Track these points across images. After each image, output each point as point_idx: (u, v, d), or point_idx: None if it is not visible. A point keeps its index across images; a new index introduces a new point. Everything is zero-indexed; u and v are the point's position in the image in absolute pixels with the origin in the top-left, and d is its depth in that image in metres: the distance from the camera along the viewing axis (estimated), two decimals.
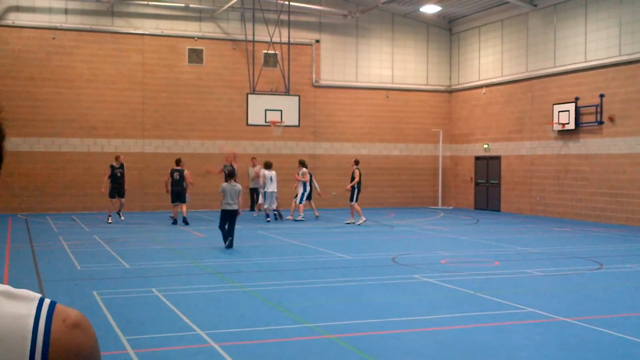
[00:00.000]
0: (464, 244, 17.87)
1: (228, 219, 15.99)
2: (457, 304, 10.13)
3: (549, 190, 26.60)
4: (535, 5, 27.04)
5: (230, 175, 16.72)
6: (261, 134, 28.52)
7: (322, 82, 30.12)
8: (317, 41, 30.00)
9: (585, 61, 24.87)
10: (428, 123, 31.80)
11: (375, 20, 30.88)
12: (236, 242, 16.72)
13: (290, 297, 10.50)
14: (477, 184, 30.81)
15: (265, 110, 25.75)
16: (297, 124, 26.39)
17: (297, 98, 26.29)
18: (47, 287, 11.04)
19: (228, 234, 15.92)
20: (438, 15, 30.83)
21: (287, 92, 26.69)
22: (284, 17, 26.46)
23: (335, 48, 30.39)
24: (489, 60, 29.99)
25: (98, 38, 27.15)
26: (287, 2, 26.24)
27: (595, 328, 8.57)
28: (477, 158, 30.80)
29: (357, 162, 23.45)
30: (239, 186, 16.21)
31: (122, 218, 22.65)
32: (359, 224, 22.34)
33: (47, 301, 1.31)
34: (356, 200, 22.79)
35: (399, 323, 8.85)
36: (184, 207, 22.09)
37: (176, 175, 22.04)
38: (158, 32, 27.81)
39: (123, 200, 22.57)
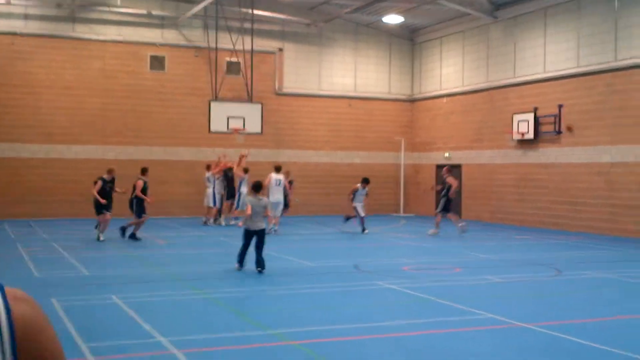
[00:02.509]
0: (425, 251, 18.02)
1: (256, 240, 13.39)
2: (419, 310, 10.21)
3: (509, 198, 26.96)
4: (496, 17, 27.45)
5: (256, 187, 13.84)
6: (224, 141, 28.39)
7: (285, 90, 30.16)
8: (281, 49, 30.04)
9: (545, 72, 25.30)
10: (390, 131, 32.02)
11: (339, 30, 31.03)
12: (198, 249, 16.62)
13: (252, 304, 10.48)
14: (439, 192, 31.03)
15: (228, 117, 25.69)
16: (259, 131, 26.35)
17: (259, 105, 26.25)
18: None
19: (257, 257, 13.35)
20: (400, 25, 31.10)
21: (249, 100, 26.66)
22: (247, 25, 26.47)
23: (298, 57, 30.46)
24: (450, 71, 30.34)
25: (58, 44, 26.82)
26: (250, 11, 26.25)
27: (554, 334, 8.70)
28: (439, 166, 31.07)
29: (450, 170, 23.16)
30: (265, 200, 13.94)
31: (102, 239, 18.66)
32: (429, 234, 22.06)
33: None
34: (442, 210, 22.32)
35: (362, 329, 8.89)
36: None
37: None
38: (120, 38, 27.59)
39: (108, 215, 18.88)
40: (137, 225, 19.14)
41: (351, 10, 28.93)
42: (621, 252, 18.33)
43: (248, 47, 26.42)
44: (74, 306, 9.93)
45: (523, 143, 26.21)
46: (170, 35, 28.38)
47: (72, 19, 27.01)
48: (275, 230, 21.17)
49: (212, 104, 25.50)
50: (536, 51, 25.75)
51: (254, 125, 25.86)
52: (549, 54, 25.20)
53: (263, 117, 26.22)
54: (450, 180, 22.55)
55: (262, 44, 29.06)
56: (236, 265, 13.61)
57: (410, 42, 32.52)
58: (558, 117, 24.64)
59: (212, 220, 24.88)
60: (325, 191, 30.51)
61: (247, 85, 26.73)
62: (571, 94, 24.26)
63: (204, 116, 26.88)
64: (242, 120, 25.67)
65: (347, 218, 23.46)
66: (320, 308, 10.28)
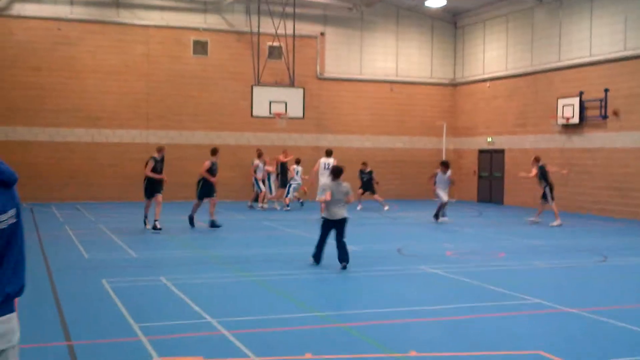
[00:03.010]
0: (468, 236, 17.93)
1: (336, 231, 12.16)
2: (464, 294, 10.19)
3: (554, 183, 26.57)
4: (541, 0, 27.02)
5: (337, 172, 12.47)
6: (265, 126, 28.54)
7: (327, 75, 30.12)
8: (322, 34, 29.99)
9: (590, 56, 24.87)
10: (432, 116, 31.82)
11: (380, 14, 30.86)
12: (242, 233, 16.79)
13: (297, 287, 10.58)
14: (480, 176, 30.84)
15: (270, 102, 25.78)
16: (301, 116, 26.40)
17: (301, 90, 26.30)
18: (56, 275, 11.10)
19: (340, 250, 12.08)
20: (443, 9, 30.79)
21: (291, 85, 26.71)
22: (289, 9, 26.46)
23: (339, 41, 30.39)
24: (493, 54, 29.99)
25: (103, 29, 27.16)
26: None
27: (602, 319, 8.63)
28: (481, 151, 30.83)
29: (537, 160, 21.55)
30: (347, 185, 12.39)
31: (149, 227, 17.62)
32: (552, 225, 20.60)
33: None
34: (552, 200, 21.09)
35: (408, 313, 8.92)
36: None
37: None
38: (163, 23, 27.81)
39: (160, 197, 17.84)
40: (196, 208, 18.58)
41: None
42: None
43: (290, 31, 26.43)
44: (123, 287, 10.13)
45: (568, 128, 25.83)
46: (212, 20, 28.52)
47: (117, 4, 27.30)
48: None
49: (255, 89, 25.60)
50: (582, 34, 25.31)
51: (296, 109, 25.92)
52: (594, 37, 24.75)
53: (305, 101, 26.27)
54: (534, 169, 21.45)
55: (303, 28, 29.04)
56: (310, 259, 12.39)
57: (452, 26, 32.19)
58: (604, 102, 24.22)
59: (262, 204, 24.95)
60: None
61: (288, 69, 26.78)
62: (617, 77, 23.81)
63: (246, 101, 27.02)
64: (284, 105, 25.74)
65: (437, 212, 20.98)
66: (366, 291, 10.33)
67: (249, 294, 10.00)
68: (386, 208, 24.67)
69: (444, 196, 20.79)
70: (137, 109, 27.67)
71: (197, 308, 8.83)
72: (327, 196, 11.97)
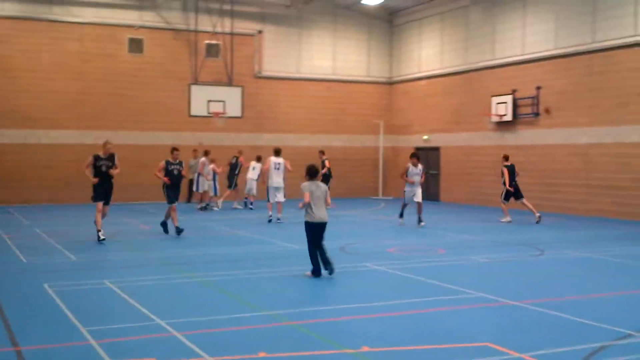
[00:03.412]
0: (408, 232, 18.20)
1: (319, 235, 11.36)
2: (410, 290, 10.36)
3: (487, 180, 27.23)
4: None
5: (314, 172, 11.62)
6: (203, 125, 28.31)
7: (265, 73, 30.08)
8: (260, 32, 29.92)
9: (523, 54, 25.53)
10: (369, 114, 32.13)
11: (318, 12, 30.99)
12: (184, 233, 16.64)
13: (244, 287, 10.56)
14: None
15: (208, 101, 25.64)
16: (240, 115, 26.37)
17: (239, 89, 26.27)
18: None
19: (322, 256, 11.33)
20: (379, 7, 31.14)
21: (229, 83, 26.63)
22: (226, 7, 26.36)
23: (277, 39, 30.38)
24: (429, 53, 30.47)
25: (35, 27, 26.49)
26: None
27: (544, 311, 8.90)
28: (417, 149, 31.24)
29: (506, 158, 21.37)
30: (324, 186, 11.67)
31: (103, 238, 15.34)
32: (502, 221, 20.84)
33: None
34: (506, 199, 21.03)
35: (357, 309, 9.02)
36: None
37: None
38: (97, 20, 27.30)
39: (107, 208, 15.90)
40: (169, 213, 17.15)
41: None
42: (599, 231, 18.67)
43: (227, 29, 26.34)
44: (67, 291, 9.93)
45: (501, 125, 26.47)
46: (148, 17, 28.12)
47: (50, 1, 26.65)
48: (278, 219, 20.07)
49: (192, 88, 25.45)
50: (515, 33, 25.96)
51: (234, 109, 25.89)
52: (527, 35, 25.42)
53: (243, 100, 26.20)
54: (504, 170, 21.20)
55: (241, 26, 28.92)
56: (307, 273, 11.37)
57: (389, 24, 32.58)
58: (536, 99, 24.91)
59: (206, 204, 24.61)
60: (303, 175, 30.55)
61: (227, 68, 26.69)
62: (549, 75, 24.52)
63: (183, 100, 26.79)
64: (222, 104, 25.64)
65: (403, 208, 19.91)
66: (313, 290, 10.39)
67: (197, 295, 9.94)
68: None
69: (410, 193, 19.40)
70: (72, 108, 27.09)
71: (144, 310, 8.74)
72: (306, 198, 11.17)
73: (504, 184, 21.14)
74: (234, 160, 25.74)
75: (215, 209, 24.47)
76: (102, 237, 15.29)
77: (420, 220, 19.35)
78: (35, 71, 26.52)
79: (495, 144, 26.78)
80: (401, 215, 19.77)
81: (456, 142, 28.86)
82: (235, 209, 24.88)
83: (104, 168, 15.46)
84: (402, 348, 7.21)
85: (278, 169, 20.33)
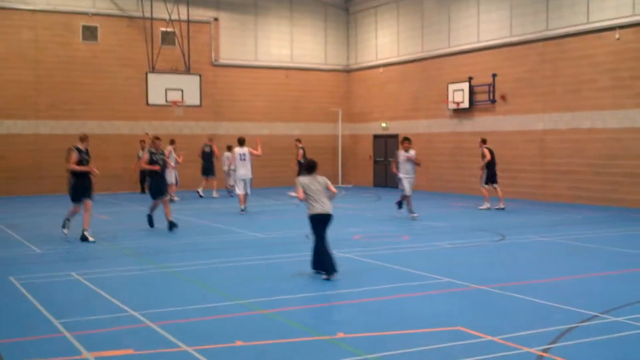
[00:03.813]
0: (371, 220, 18.35)
1: (323, 228, 10.50)
2: (379, 276, 10.47)
3: (445, 167, 27.60)
4: None
5: (312, 167, 10.79)
6: (161, 114, 28.05)
7: (222, 61, 29.89)
8: (216, 19, 29.70)
9: (478, 42, 25.86)
10: (327, 102, 32.20)
11: None
12: (143, 224, 16.50)
13: (214, 276, 10.57)
14: (375, 161, 31.50)
15: (166, 89, 25.39)
16: (198, 103, 26.18)
17: (197, 77, 26.07)
18: None
19: (322, 256, 10.42)
20: None
21: (187, 71, 26.41)
22: None
23: (234, 27, 30.20)
24: (385, 40, 30.63)
25: None
26: None
27: (511, 294, 9.11)
28: (376, 136, 31.48)
29: (484, 141, 20.79)
30: (324, 178, 10.77)
31: (92, 239, 14.06)
32: (481, 208, 20.40)
33: None
34: (485, 184, 20.44)
35: (329, 296, 9.12)
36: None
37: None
38: (50, 7, 26.74)
39: (90, 203, 14.58)
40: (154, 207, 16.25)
41: None
42: (557, 216, 19.09)
43: (183, 16, 26.09)
44: (35, 284, 9.81)
45: (458, 112, 26.80)
46: (102, 5, 27.66)
47: None
48: (243, 210, 19.48)
49: (149, 76, 25.16)
50: (470, 21, 26.26)
51: (192, 97, 25.69)
52: (482, 23, 25.74)
53: (201, 89, 26.03)
54: (485, 151, 20.49)
55: (197, 13, 28.65)
56: (324, 275, 10.27)
57: (345, 12, 32.64)
58: (492, 86, 25.27)
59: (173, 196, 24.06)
60: (263, 163, 30.42)
61: (184, 56, 26.46)
62: (505, 63, 24.90)
63: (139, 88, 26.49)
64: (180, 93, 25.43)
65: (400, 202, 18.48)
66: (283, 278, 10.44)
67: (168, 286, 9.91)
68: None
69: (406, 184, 17.79)
70: (26, 98, 26.55)
71: (116, 302, 8.69)
72: (300, 194, 10.48)
73: (486, 167, 20.50)
74: (207, 149, 25.72)
75: (176, 199, 24.22)
76: (92, 239, 14.03)
77: (412, 211, 17.99)
78: None
79: (453, 130, 27.13)
80: (408, 210, 18.05)
81: (415, 129, 29.11)
82: (215, 197, 24.90)
83: (84, 162, 14.35)
84: (376, 334, 7.32)
85: (244, 159, 19.71)
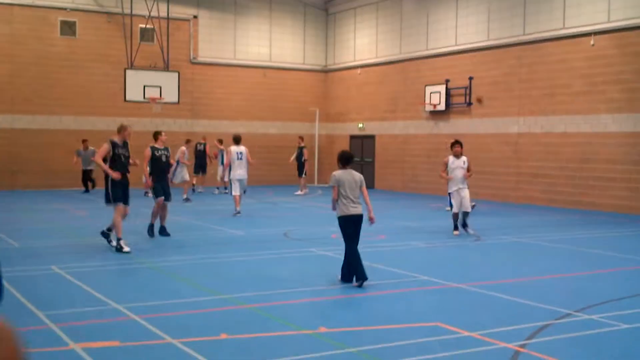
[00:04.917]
0: None
1: (355, 231, 9.78)
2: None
3: (421, 168, 27.88)
4: None
5: (348, 159, 9.88)
6: (138, 111, 28.00)
7: (200, 59, 29.92)
8: (195, 17, 29.71)
9: (456, 45, 26.17)
10: (305, 102, 32.35)
11: None
12: (128, 219, 16.50)
13: (196, 272, 10.66)
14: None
15: (144, 86, 25.36)
16: (176, 100, 26.19)
17: (176, 74, 26.07)
18: None
19: (353, 262, 9.72)
20: None
21: (166, 68, 26.40)
22: None
23: (213, 25, 30.24)
24: (364, 42, 30.85)
25: None
26: None
27: (487, 293, 9.33)
28: (352, 137, 31.69)
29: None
30: (359, 175, 9.95)
31: (127, 249, 12.13)
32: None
33: None
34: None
35: (309, 292, 9.26)
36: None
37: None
38: (28, 2, 26.59)
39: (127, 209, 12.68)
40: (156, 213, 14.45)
41: None
42: (530, 218, 19.42)
43: (163, 13, 26.07)
44: (16, 277, 9.83)
45: (435, 114, 27.10)
46: (81, 0, 27.54)
47: None
48: (238, 212, 18.40)
49: (128, 72, 25.12)
50: (448, 24, 26.57)
51: (170, 94, 25.69)
52: (460, 27, 26.06)
53: (180, 86, 26.04)
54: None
55: (176, 11, 28.65)
56: (355, 284, 9.65)
57: (324, 13, 32.82)
58: (468, 89, 25.60)
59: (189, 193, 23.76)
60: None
61: (162, 53, 26.43)
62: (481, 66, 25.24)
63: (117, 84, 26.45)
64: (158, 89, 25.41)
65: (455, 222, 15.45)
66: (263, 274, 10.56)
67: (150, 280, 9.99)
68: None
69: (457, 197, 15.02)
70: (1, 92, 26.37)
71: (99, 295, 8.76)
72: (334, 194, 9.64)
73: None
74: (202, 148, 26.06)
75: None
76: (126, 249, 12.13)
77: (464, 225, 15.40)
78: None
79: (429, 132, 27.42)
80: (456, 227, 15.27)
81: (391, 130, 29.37)
82: (214, 194, 25.60)
83: (122, 158, 12.43)
84: (358, 328, 7.48)
85: (240, 159, 18.60)
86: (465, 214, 15.17)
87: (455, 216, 15.19)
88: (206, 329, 7.31)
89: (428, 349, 6.76)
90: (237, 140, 18.96)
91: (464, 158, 15.19)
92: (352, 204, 9.62)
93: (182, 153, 23.09)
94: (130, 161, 12.54)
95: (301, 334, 7.23)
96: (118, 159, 12.27)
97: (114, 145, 12.32)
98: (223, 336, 7.02)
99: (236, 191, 18.54)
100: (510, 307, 8.63)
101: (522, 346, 6.82)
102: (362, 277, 9.56)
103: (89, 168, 25.22)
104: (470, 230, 15.14)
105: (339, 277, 9.91)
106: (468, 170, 15.14)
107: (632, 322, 7.80)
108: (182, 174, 23.02)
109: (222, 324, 7.53)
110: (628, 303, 8.88)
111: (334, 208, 9.75)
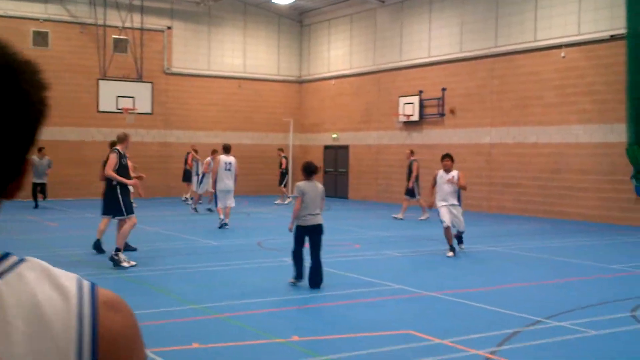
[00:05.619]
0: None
1: (310, 240, 10.21)
2: (332, 283, 10.65)
3: (395, 178, 27.99)
4: (383, 2, 28.31)
5: (312, 170, 10.48)
6: (111, 121, 27.78)
7: (174, 70, 29.87)
8: (169, 28, 29.68)
9: (429, 56, 26.40)
10: (279, 113, 32.39)
11: (228, 9, 31.00)
12: (91, 231, 16.39)
13: (169, 282, 10.61)
14: (325, 172, 31.78)
15: (117, 96, 25.24)
16: (150, 111, 26.10)
17: (150, 85, 26.00)
18: None
19: (313, 265, 10.16)
20: (290, 6, 31.43)
21: (139, 79, 26.31)
22: (136, 2, 26.02)
23: (187, 36, 30.22)
24: (338, 53, 31.01)
25: None
26: None
27: (460, 301, 9.41)
28: (326, 147, 31.78)
29: (413, 153, 21.64)
30: (321, 186, 10.56)
31: (132, 263, 11.76)
32: (421, 219, 21.00)
33: (86, 283, 1.16)
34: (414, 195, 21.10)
35: (283, 302, 9.28)
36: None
37: None
38: (0, 12, 26.37)
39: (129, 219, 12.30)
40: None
41: None
42: (502, 227, 19.61)
43: (137, 24, 26.01)
44: None
45: (408, 125, 27.28)
46: (54, 10, 27.41)
47: None
48: (226, 225, 17.95)
49: (101, 83, 24.99)
50: (421, 36, 26.81)
51: (144, 105, 25.59)
52: (433, 39, 26.30)
53: (153, 96, 25.97)
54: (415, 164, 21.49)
55: (150, 21, 28.59)
56: (291, 280, 10.35)
57: (299, 24, 32.94)
58: (442, 100, 25.82)
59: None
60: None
61: (136, 63, 26.35)
62: (454, 77, 25.48)
63: (89, 95, 26.30)
64: (132, 100, 25.31)
65: (447, 235, 13.97)
66: (235, 283, 10.55)
67: (119, 290, 9.85)
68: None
69: (446, 213, 13.90)
70: None
71: None
72: (297, 204, 10.01)
73: (415, 179, 21.55)
74: (186, 157, 26.34)
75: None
76: (132, 263, 11.73)
77: (461, 241, 14.68)
78: None
79: (403, 142, 27.58)
80: (451, 248, 13.85)
81: (365, 140, 29.51)
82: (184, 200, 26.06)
83: (127, 168, 12.03)
84: (331, 337, 7.51)
85: (229, 169, 17.97)
86: (460, 232, 14.49)
87: (447, 232, 13.80)
88: (178, 338, 7.29)
89: (400, 356, 6.81)
90: (227, 149, 18.35)
91: (453, 172, 13.97)
92: (312, 215, 10.07)
93: (207, 164, 22.58)
94: (136, 173, 12.33)
95: (274, 342, 7.24)
96: (124, 169, 12.03)
97: (120, 155, 12.05)
98: (195, 345, 7.00)
99: (220, 204, 18.05)
100: (481, 314, 8.71)
101: (493, 353, 6.89)
102: (301, 277, 10.24)
103: (40, 181, 23.37)
104: (463, 247, 14.64)
105: (292, 280, 10.39)
106: (459, 185, 13.96)
107: (600, 329, 7.92)
108: (207, 184, 22.58)
109: (195, 333, 7.51)
110: (597, 310, 9.00)
111: (295, 218, 10.20)
